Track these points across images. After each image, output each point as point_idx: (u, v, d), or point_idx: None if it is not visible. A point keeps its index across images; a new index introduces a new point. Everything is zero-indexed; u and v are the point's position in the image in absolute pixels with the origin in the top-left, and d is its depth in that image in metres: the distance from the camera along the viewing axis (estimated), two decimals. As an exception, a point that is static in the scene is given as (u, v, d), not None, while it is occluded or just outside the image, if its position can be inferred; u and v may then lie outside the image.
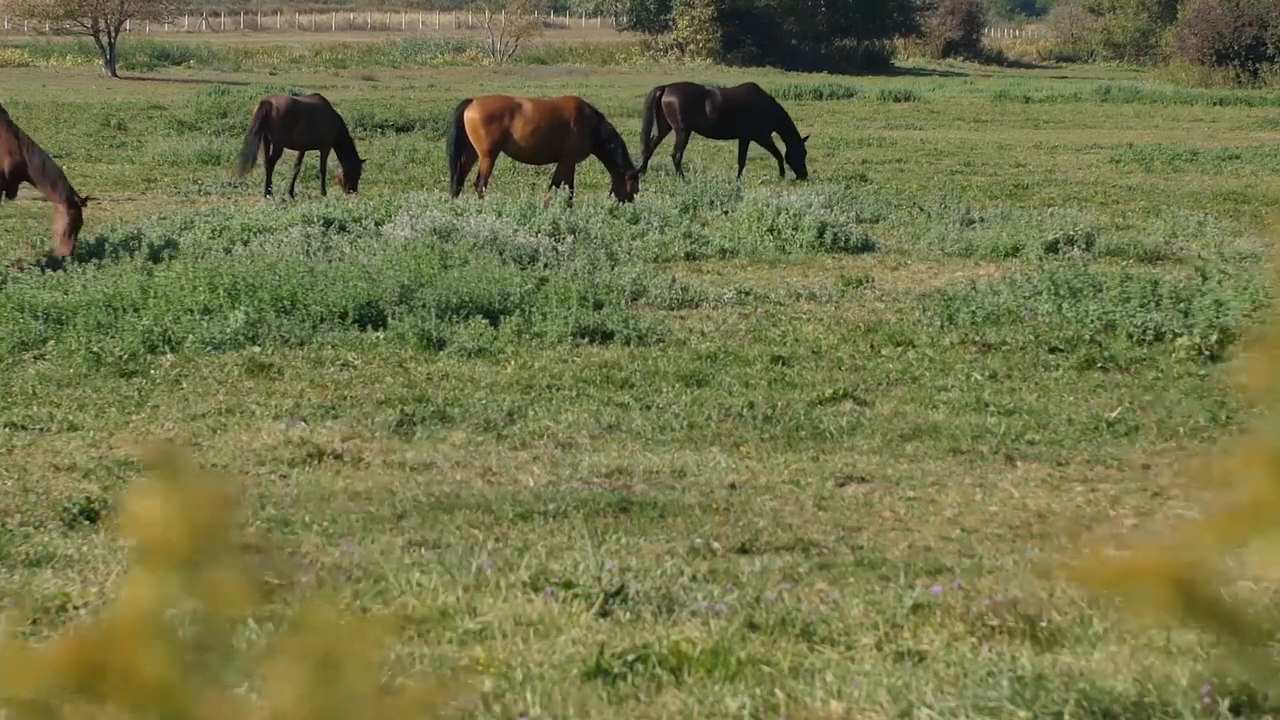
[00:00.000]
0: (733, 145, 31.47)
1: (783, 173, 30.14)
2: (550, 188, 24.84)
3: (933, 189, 27.37)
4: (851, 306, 17.56)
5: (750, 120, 30.11)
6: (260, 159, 26.77)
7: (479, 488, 10.66)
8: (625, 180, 24.48)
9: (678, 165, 29.38)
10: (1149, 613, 1.51)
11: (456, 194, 24.08)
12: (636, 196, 24.35)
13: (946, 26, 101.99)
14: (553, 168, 25.73)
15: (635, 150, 28.32)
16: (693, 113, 29.81)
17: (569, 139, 24.55)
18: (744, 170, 29.80)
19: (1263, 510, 1.51)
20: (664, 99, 29.96)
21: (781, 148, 30.53)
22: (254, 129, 26.66)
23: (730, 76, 66.24)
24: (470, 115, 24.37)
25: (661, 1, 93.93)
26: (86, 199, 19.10)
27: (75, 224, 18.73)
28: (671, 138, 30.25)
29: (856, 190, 27.10)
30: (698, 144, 32.93)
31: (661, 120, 29.92)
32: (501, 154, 24.81)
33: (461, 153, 24.70)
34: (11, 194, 19.29)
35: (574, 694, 6.97)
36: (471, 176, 24.89)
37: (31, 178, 18.98)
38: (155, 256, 18.63)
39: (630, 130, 33.56)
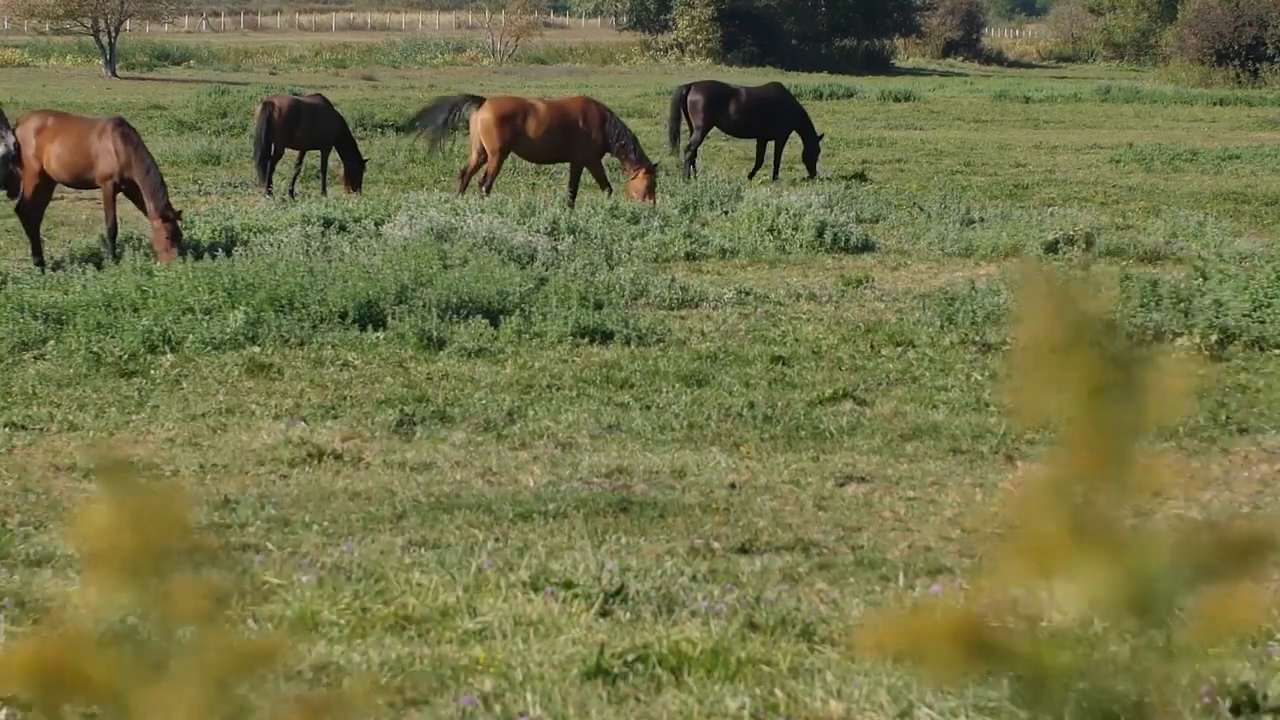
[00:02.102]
0: (734, 144, 31.50)
1: (776, 175, 30.18)
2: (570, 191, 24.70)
3: (933, 189, 27.37)
4: (851, 306, 17.56)
5: (774, 120, 30.26)
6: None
7: (479, 488, 10.66)
8: (642, 178, 24.42)
9: (690, 161, 29.46)
10: (942, 669, 1.50)
11: (488, 193, 24.05)
12: (666, 196, 24.30)
13: (946, 26, 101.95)
14: (561, 169, 25.68)
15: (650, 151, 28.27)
16: (717, 111, 29.89)
17: (579, 139, 24.50)
18: (759, 170, 30.02)
19: (1047, 552, 1.52)
20: (690, 97, 30.03)
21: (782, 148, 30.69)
22: (260, 130, 26.67)
23: (730, 76, 66.19)
24: (484, 115, 24.32)
25: (661, 1, 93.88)
26: (179, 214, 19.22)
27: (175, 236, 18.82)
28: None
29: (856, 190, 27.10)
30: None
31: (688, 118, 30.00)
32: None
33: (473, 153, 24.66)
34: (139, 197, 19.39)
35: (574, 694, 6.97)
36: (478, 175, 24.85)
37: (135, 182, 19.08)
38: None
39: (635, 130, 33.50)
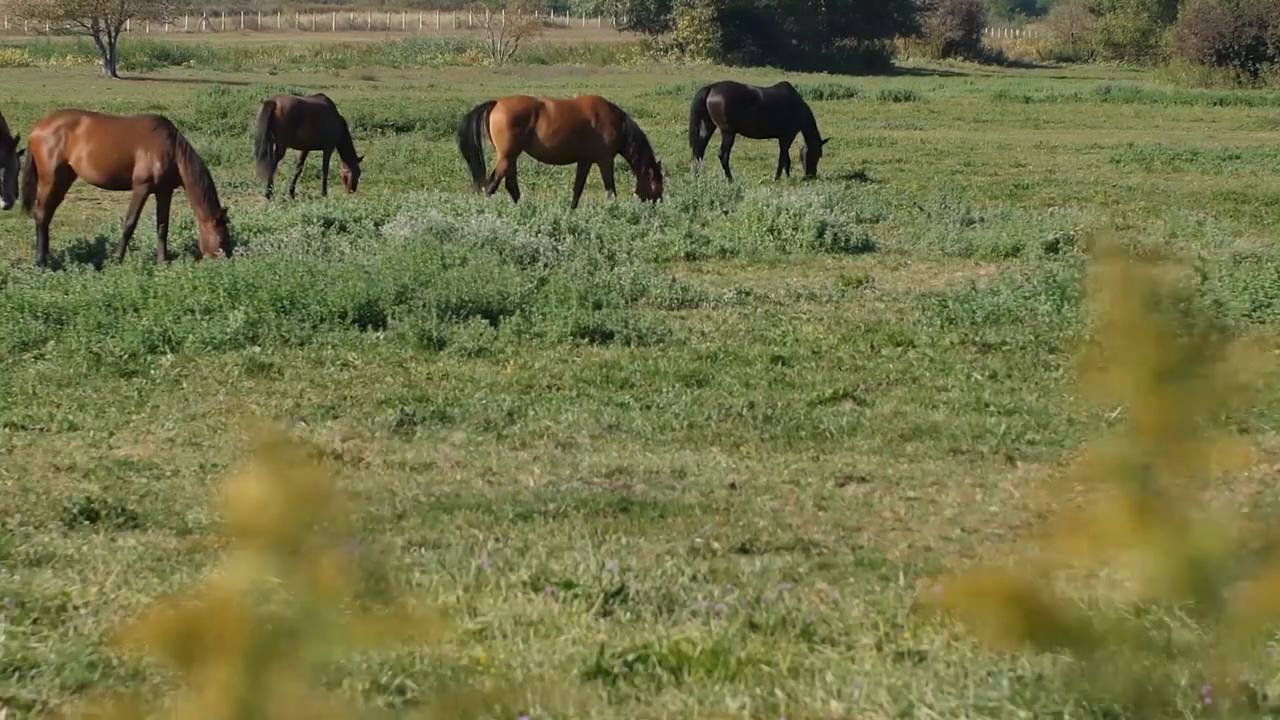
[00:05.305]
0: (738, 144, 31.52)
1: (778, 175, 30.32)
2: (608, 192, 24.60)
3: (933, 189, 27.37)
4: (851, 306, 17.56)
5: (788, 120, 30.40)
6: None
7: (479, 488, 10.66)
8: (649, 179, 24.37)
9: (725, 165, 29.58)
10: (993, 631, 1.50)
11: (493, 192, 23.95)
12: (665, 196, 24.26)
13: (946, 26, 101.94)
14: (561, 168, 25.54)
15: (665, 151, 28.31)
16: (737, 113, 29.95)
17: (591, 139, 24.42)
18: (787, 170, 30.18)
19: (1113, 532, 1.51)
20: (710, 99, 30.09)
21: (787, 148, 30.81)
22: (261, 129, 26.66)
23: (731, 77, 66.22)
24: (496, 117, 24.23)
25: (661, 1, 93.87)
26: (226, 209, 19.20)
27: (226, 240, 18.75)
28: (716, 139, 30.44)
29: (856, 190, 27.12)
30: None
31: (708, 120, 30.05)
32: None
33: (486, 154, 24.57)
34: (163, 201, 19.30)
35: (574, 694, 6.97)
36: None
37: (184, 184, 19.02)
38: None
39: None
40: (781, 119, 30.43)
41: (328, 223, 21.30)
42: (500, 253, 19.00)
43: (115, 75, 74.69)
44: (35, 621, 7.81)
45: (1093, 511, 1.51)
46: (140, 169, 19.04)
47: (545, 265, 18.89)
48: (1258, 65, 71.60)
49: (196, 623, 1.45)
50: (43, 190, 19.35)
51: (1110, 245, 1.51)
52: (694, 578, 8.52)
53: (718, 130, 30.20)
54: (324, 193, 26.85)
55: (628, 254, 20.07)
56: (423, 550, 9.13)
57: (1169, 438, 1.51)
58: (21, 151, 19.86)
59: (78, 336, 14.68)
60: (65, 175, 19.41)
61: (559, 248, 19.79)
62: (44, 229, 19.36)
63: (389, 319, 15.52)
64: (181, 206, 20.41)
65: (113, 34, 77.51)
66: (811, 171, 30.20)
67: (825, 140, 31.26)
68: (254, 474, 1.48)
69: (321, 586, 1.46)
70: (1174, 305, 1.53)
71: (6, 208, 20.07)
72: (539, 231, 20.67)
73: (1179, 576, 1.49)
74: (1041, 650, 1.55)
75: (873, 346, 15.28)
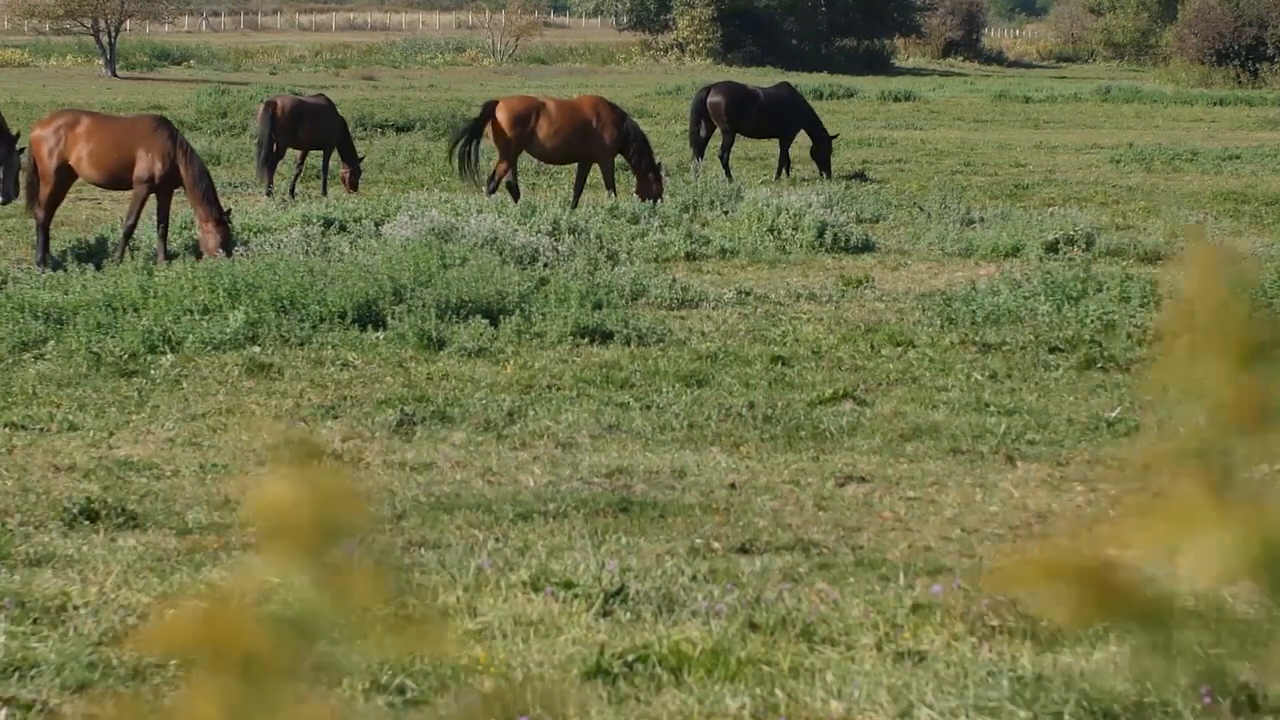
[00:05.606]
0: (739, 144, 31.55)
1: (779, 175, 30.36)
2: (609, 193, 24.60)
3: (933, 189, 27.36)
4: (851, 306, 17.56)
5: (788, 120, 30.43)
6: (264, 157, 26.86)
7: (479, 488, 10.66)
8: (649, 180, 24.35)
9: (725, 165, 29.57)
10: (1068, 609, 1.50)
11: (493, 191, 23.91)
12: (665, 196, 24.23)
13: (946, 26, 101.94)
14: (561, 168, 25.51)
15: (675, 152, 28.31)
16: (738, 113, 29.96)
17: (592, 139, 24.40)
18: (787, 170, 30.18)
19: (1189, 515, 1.51)
20: (710, 99, 30.10)
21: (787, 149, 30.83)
22: (264, 130, 26.67)
23: (731, 77, 66.20)
24: (497, 117, 24.24)
25: (661, 1, 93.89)
26: (229, 210, 19.20)
27: (226, 240, 18.75)
28: (716, 139, 30.45)
29: (856, 190, 27.12)
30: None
31: (708, 120, 30.05)
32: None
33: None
34: (163, 201, 19.32)
35: (574, 694, 6.97)
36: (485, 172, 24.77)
37: (184, 186, 19.02)
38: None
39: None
40: (781, 119, 30.46)
41: (328, 223, 21.31)
42: (500, 253, 19.00)
43: (115, 75, 74.68)
44: (35, 621, 7.81)
45: (1168, 494, 1.51)
46: (141, 169, 19.05)
47: (545, 265, 18.90)
48: (1258, 65, 71.60)
49: (217, 625, 1.45)
50: (43, 190, 19.35)
51: (1201, 242, 1.51)
52: (694, 578, 8.52)
53: (718, 130, 30.20)
54: (324, 193, 26.85)
55: (628, 254, 20.08)
56: (423, 550, 9.13)
57: (1251, 422, 1.51)
58: (21, 150, 19.86)
59: (78, 336, 14.68)
60: (66, 175, 19.41)
61: (559, 248, 19.80)
62: (44, 229, 19.37)
63: (389, 319, 15.52)
64: (181, 206, 20.43)
65: (113, 34, 77.52)
66: (825, 169, 30.19)
67: (834, 136, 31.27)
68: (276, 475, 1.47)
69: (351, 591, 1.46)
70: (1251, 297, 1.53)
71: (4, 204, 20.09)
72: (539, 231, 20.68)
73: (1256, 559, 1.49)
74: (1112, 629, 1.55)
75: (873, 346, 15.28)
